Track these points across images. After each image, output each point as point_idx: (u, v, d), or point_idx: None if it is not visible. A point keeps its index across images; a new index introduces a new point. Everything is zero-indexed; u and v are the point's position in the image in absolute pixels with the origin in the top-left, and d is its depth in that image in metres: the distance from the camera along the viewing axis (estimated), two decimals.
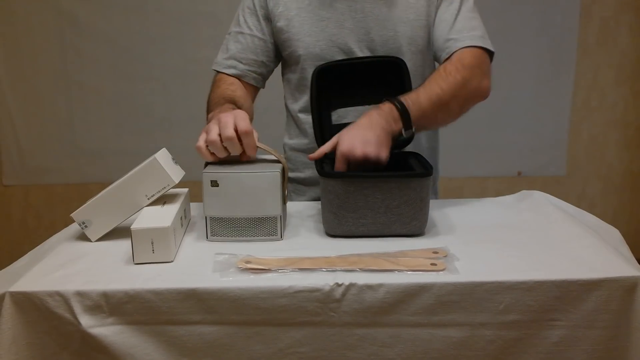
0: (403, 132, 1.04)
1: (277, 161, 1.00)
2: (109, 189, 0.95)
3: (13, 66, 2.62)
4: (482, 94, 1.14)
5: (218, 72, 1.28)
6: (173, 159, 1.01)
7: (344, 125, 1.10)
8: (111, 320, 0.78)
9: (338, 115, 1.22)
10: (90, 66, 2.62)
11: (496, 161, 2.84)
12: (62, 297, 0.77)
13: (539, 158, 2.85)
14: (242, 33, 1.25)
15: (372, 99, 1.17)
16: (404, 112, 1.03)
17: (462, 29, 1.16)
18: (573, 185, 2.90)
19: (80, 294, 0.77)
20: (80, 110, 2.67)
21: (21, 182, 2.74)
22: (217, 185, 0.93)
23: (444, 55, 1.17)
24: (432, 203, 1.03)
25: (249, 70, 1.26)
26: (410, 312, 0.79)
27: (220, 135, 0.93)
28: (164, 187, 0.95)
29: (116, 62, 2.62)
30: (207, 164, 0.98)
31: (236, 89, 1.24)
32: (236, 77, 1.26)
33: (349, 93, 1.19)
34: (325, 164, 1.05)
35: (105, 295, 0.77)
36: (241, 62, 1.25)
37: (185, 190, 1.05)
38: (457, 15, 1.17)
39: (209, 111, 1.18)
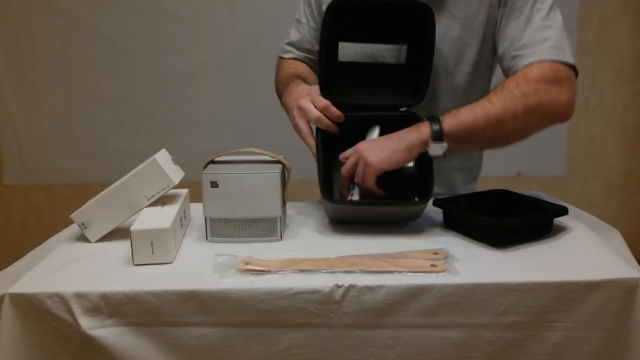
0: (430, 142, 0.94)
1: (278, 162, 1.00)
2: (109, 190, 0.95)
3: (13, 67, 2.61)
4: (556, 110, 0.98)
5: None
6: (173, 159, 1.01)
7: (352, 63, 1.12)
8: (111, 321, 0.77)
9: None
10: (90, 67, 2.61)
11: (496, 161, 2.80)
12: (61, 298, 0.77)
13: (539, 158, 2.84)
14: (300, 22, 1.32)
15: (386, 38, 1.12)
16: (433, 121, 0.95)
17: (530, 43, 1.01)
18: (572, 186, 2.90)
19: (80, 296, 0.77)
20: (80, 111, 2.66)
21: (21, 183, 2.74)
22: (217, 186, 0.93)
23: (509, 75, 1.04)
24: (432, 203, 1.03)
25: (306, 57, 1.32)
26: (410, 313, 0.79)
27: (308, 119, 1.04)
28: (164, 188, 0.95)
29: (116, 62, 2.61)
30: (207, 164, 0.99)
31: (298, 67, 1.30)
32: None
33: (362, 31, 1.12)
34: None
35: (105, 297, 0.77)
36: (298, 50, 1.32)
37: (185, 191, 1.05)
38: (525, 27, 1.03)
39: (279, 92, 1.28)
